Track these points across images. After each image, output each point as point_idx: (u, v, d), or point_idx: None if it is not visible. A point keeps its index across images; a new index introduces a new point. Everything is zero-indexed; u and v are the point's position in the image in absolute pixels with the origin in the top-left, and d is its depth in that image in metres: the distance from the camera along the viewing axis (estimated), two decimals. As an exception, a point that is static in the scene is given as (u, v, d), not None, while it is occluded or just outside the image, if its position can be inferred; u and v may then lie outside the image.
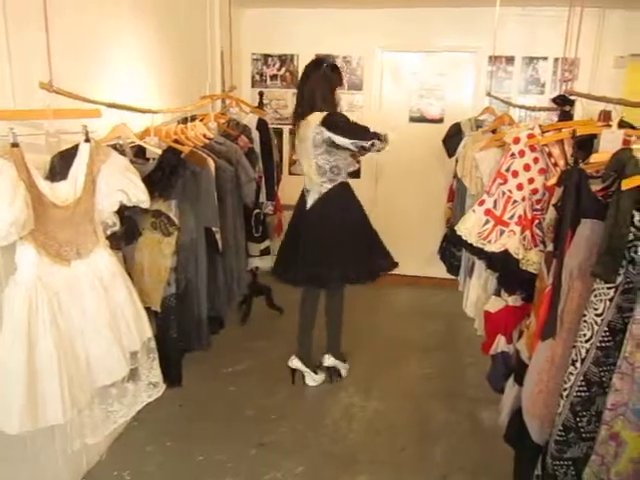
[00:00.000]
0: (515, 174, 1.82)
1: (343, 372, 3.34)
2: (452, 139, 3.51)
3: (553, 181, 1.70)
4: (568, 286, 1.55)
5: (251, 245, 3.35)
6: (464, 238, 1.94)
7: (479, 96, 4.58)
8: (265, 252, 3.50)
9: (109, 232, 1.89)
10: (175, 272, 2.19)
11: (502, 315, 2.24)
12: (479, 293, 2.66)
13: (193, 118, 2.85)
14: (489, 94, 3.69)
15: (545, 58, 4.50)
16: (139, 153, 2.33)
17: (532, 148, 1.81)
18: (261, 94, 3.87)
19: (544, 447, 1.62)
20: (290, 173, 4.96)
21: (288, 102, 4.82)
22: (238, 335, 3.85)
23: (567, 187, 1.53)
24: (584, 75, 4.47)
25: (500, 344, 2.26)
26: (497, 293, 2.26)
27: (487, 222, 1.88)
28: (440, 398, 3.16)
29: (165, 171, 2.12)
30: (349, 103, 4.76)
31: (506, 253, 1.82)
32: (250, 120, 3.34)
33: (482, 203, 1.92)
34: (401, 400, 3.15)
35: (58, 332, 1.68)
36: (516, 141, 1.83)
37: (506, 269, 1.83)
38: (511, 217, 1.84)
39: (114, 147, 2.07)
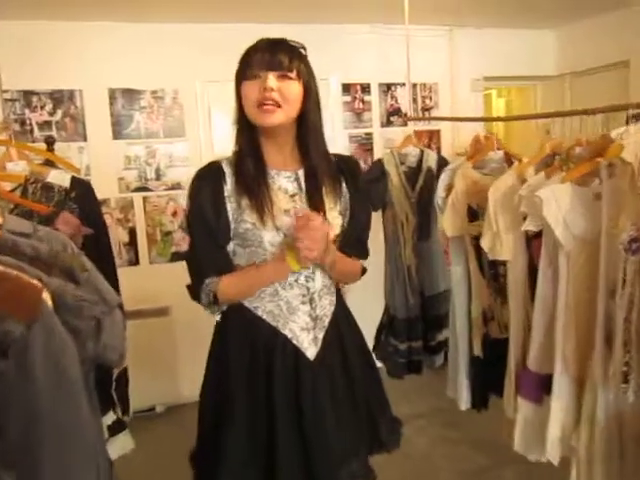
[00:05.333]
0: None
1: None
2: (377, 185, 2.41)
3: None
4: None
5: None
6: None
7: (337, 131, 3.62)
8: (118, 428, 1.85)
9: None
10: None
11: None
12: (565, 424, 1.56)
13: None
14: (405, 116, 2.73)
15: (403, 84, 3.78)
16: None
17: None
18: (50, 142, 2.19)
19: None
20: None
21: (73, 162, 3.14)
22: None
23: None
24: (444, 101, 3.87)
25: None
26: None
27: None
28: None
29: None
30: (168, 156, 3.33)
31: None
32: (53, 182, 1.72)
33: None
34: None
35: None
36: None
37: None
38: None
39: None
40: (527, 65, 4.04)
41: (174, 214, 3.35)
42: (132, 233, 3.28)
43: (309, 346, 1.34)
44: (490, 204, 1.65)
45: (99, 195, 3.22)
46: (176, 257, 3.32)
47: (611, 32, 3.69)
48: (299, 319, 1.34)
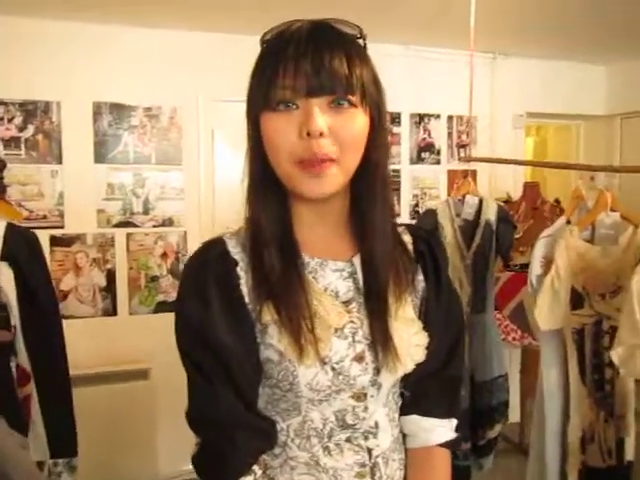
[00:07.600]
0: None
1: None
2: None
3: None
4: None
5: None
6: None
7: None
8: None
9: None
10: None
11: None
12: None
13: None
14: (463, 158, 2.22)
15: (438, 116, 3.28)
16: None
17: None
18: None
19: None
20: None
21: (44, 188, 2.61)
22: None
23: None
24: (483, 137, 3.37)
25: None
26: None
27: None
28: None
29: None
30: (160, 186, 2.79)
31: None
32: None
33: None
34: None
35: None
36: None
37: None
38: None
39: None
40: (573, 102, 3.58)
41: (163, 256, 2.78)
42: (110, 276, 2.71)
43: None
44: (634, 300, 1.10)
45: (73, 229, 2.73)
46: (162, 308, 2.75)
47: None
48: None
